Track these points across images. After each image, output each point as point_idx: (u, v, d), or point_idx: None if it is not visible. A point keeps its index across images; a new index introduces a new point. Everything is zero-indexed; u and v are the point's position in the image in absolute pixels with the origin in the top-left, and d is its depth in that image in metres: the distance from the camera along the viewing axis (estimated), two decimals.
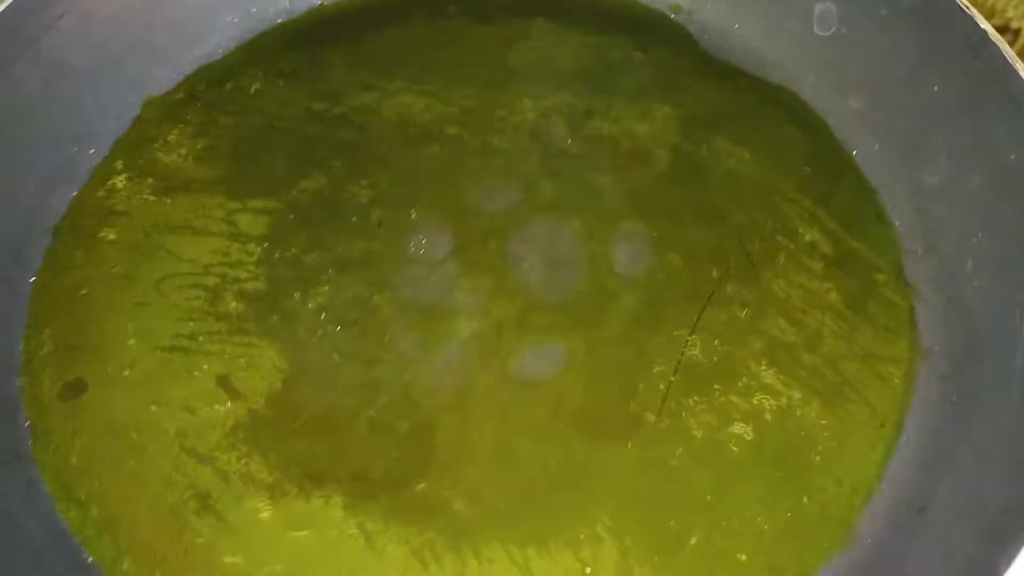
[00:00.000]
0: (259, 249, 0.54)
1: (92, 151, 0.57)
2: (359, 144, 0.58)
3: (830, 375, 0.51)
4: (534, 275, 0.54)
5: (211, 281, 0.53)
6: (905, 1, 0.54)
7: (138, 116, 0.59)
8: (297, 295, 0.53)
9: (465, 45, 0.62)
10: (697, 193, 0.56)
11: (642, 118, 0.59)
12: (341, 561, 0.46)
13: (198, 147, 0.58)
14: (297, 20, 0.63)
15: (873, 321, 0.52)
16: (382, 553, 0.46)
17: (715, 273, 0.54)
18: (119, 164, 0.58)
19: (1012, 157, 0.49)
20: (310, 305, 0.53)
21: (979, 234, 0.51)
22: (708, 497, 0.48)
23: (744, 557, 0.46)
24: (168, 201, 0.56)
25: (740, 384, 0.50)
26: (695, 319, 0.52)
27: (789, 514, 0.48)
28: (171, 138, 0.59)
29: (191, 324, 0.52)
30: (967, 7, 0.51)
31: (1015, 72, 0.49)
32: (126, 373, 0.51)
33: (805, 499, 0.48)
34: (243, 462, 0.48)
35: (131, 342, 0.51)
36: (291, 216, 0.56)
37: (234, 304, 0.53)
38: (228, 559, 0.46)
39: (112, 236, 0.55)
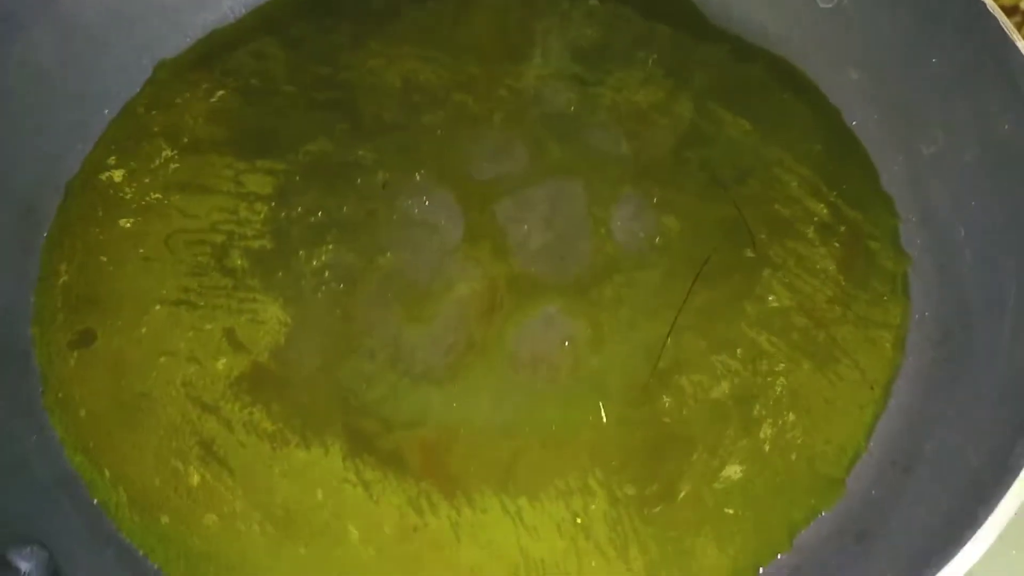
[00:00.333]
0: (266, 208, 0.56)
1: (105, 111, 0.59)
2: (365, 109, 0.59)
3: (822, 339, 0.52)
4: (534, 239, 0.55)
5: (218, 238, 0.55)
6: None
7: (150, 78, 0.60)
8: (302, 253, 0.54)
9: (471, 14, 0.63)
10: (697, 161, 0.57)
11: (644, 87, 0.60)
12: (340, 507, 0.47)
13: (208, 109, 0.59)
14: None
15: (867, 287, 0.53)
16: (379, 500, 0.47)
17: (712, 239, 0.55)
18: (131, 125, 0.59)
19: (1006, 128, 0.50)
20: (314, 263, 0.54)
21: (972, 203, 0.52)
22: (697, 453, 0.49)
23: (732, 511, 0.47)
24: (178, 160, 0.57)
25: (733, 346, 0.52)
26: (691, 283, 0.53)
27: (777, 470, 0.48)
28: (182, 100, 0.60)
29: (198, 279, 0.53)
30: None
31: (1012, 45, 0.50)
32: (134, 325, 0.52)
33: (794, 456, 0.49)
34: (246, 412, 0.50)
35: (140, 295, 0.52)
36: (297, 177, 0.57)
37: (240, 261, 0.54)
38: (230, 504, 0.47)
39: (122, 193, 0.56)
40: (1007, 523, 0.39)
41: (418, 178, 0.57)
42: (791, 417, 0.50)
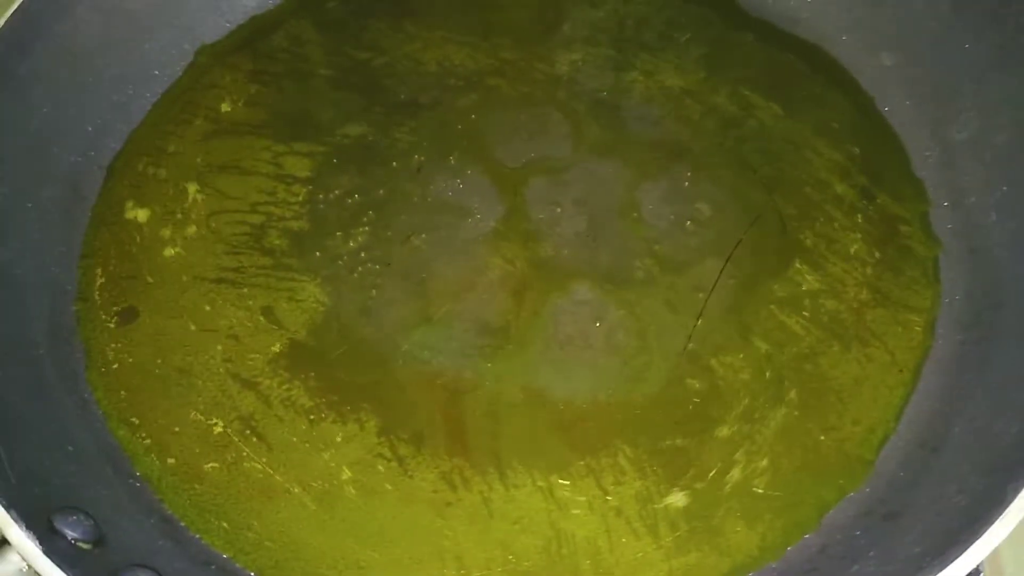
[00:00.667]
0: (304, 190, 0.57)
1: (147, 94, 0.60)
2: (401, 92, 0.60)
3: (852, 322, 0.52)
4: (566, 221, 0.56)
5: (257, 219, 0.56)
6: None
7: (191, 62, 0.62)
8: (339, 234, 0.55)
9: (506, 0, 0.64)
10: (728, 145, 0.57)
11: (677, 72, 0.61)
12: (375, 482, 0.48)
13: (247, 92, 0.61)
14: None
15: (897, 271, 0.53)
16: (413, 475, 0.48)
17: (743, 222, 0.55)
18: (172, 107, 0.60)
19: None
20: (351, 244, 0.55)
21: (1004, 188, 0.52)
22: (727, 433, 0.49)
23: (761, 490, 0.48)
24: (217, 142, 0.59)
25: (762, 328, 0.52)
26: (722, 266, 0.54)
27: (806, 451, 0.49)
28: (222, 84, 0.61)
29: (238, 258, 0.54)
30: None
31: None
32: (176, 302, 0.53)
33: (822, 437, 0.49)
34: (284, 387, 0.51)
35: (181, 273, 0.54)
36: (335, 160, 0.58)
37: (279, 241, 0.55)
38: (269, 478, 0.48)
39: (164, 174, 0.57)
40: None
41: (452, 161, 0.57)
42: (820, 398, 0.50)
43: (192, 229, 0.55)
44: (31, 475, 0.43)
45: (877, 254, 0.54)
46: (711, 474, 0.48)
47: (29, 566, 0.39)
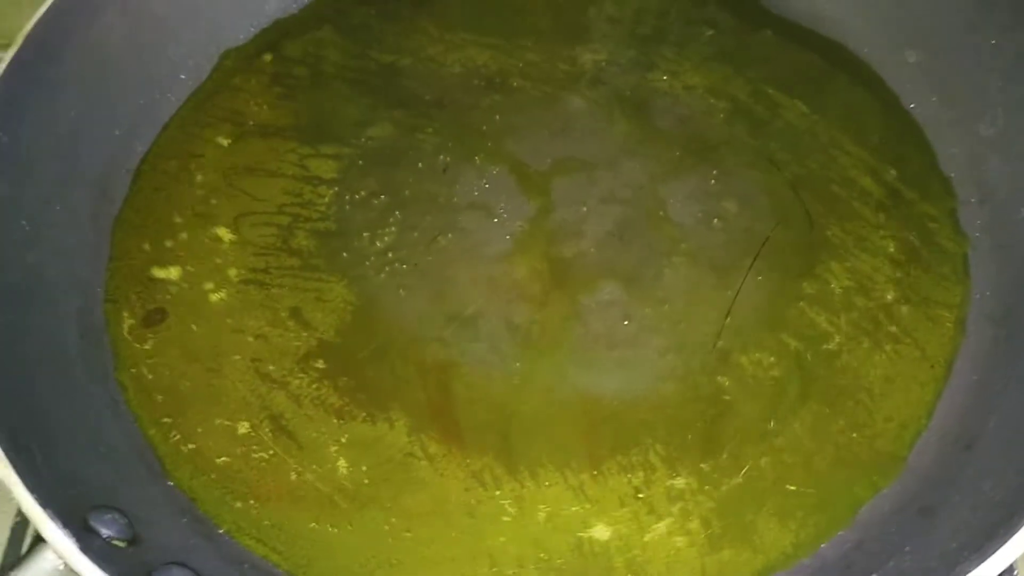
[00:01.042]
0: (330, 192, 0.57)
1: (173, 98, 0.60)
2: (425, 94, 0.61)
3: (882, 318, 0.52)
4: (593, 220, 0.56)
5: (284, 220, 0.56)
6: None
7: (217, 66, 0.62)
8: (366, 235, 0.56)
9: (531, 2, 0.64)
10: (753, 143, 0.58)
11: (700, 71, 0.61)
12: (406, 480, 0.48)
13: (272, 95, 0.61)
14: None
15: (926, 267, 0.53)
16: (444, 474, 0.48)
17: (770, 220, 0.55)
18: (198, 110, 0.60)
19: None
20: (378, 244, 0.55)
21: None
22: (758, 430, 0.49)
23: (793, 487, 0.48)
24: (243, 145, 0.59)
25: (792, 325, 0.52)
26: (749, 263, 0.54)
27: (838, 448, 0.49)
28: (247, 87, 0.61)
29: (265, 259, 0.55)
30: None
31: None
32: (204, 303, 0.53)
33: (854, 435, 0.49)
34: (314, 387, 0.51)
35: (210, 275, 0.54)
36: (360, 161, 0.58)
37: (306, 242, 0.55)
38: (300, 476, 0.48)
39: (191, 176, 0.58)
40: None
41: (478, 162, 0.58)
42: (851, 395, 0.50)
43: (220, 231, 0.55)
44: (65, 475, 0.43)
45: (906, 251, 0.54)
46: (743, 471, 0.48)
47: (65, 564, 0.39)
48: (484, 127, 0.59)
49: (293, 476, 0.48)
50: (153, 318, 0.53)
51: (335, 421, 0.50)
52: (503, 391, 0.51)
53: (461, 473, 0.48)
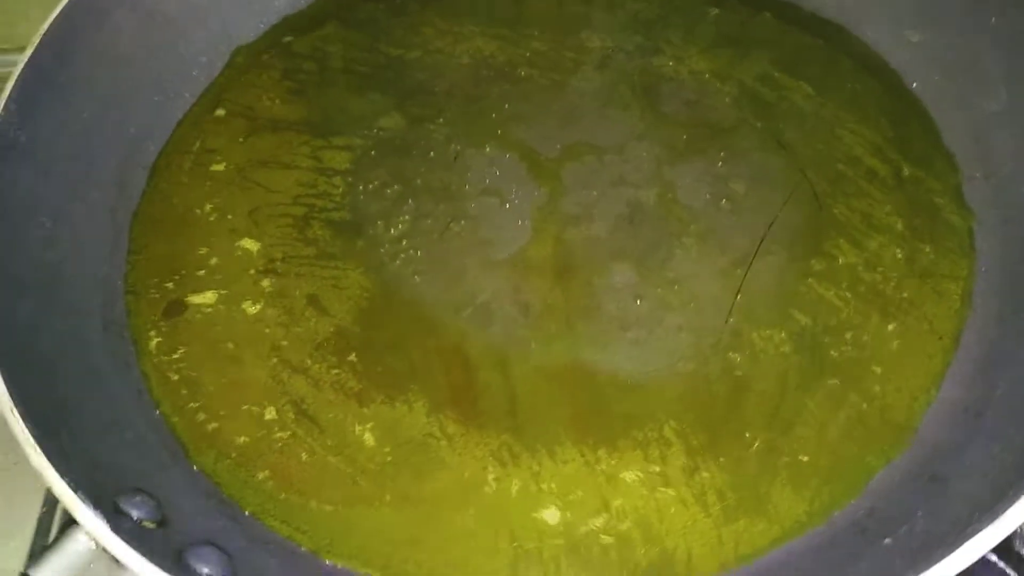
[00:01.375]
0: (344, 182, 0.58)
1: (187, 95, 0.61)
2: (434, 85, 0.62)
3: (890, 292, 0.53)
4: (603, 204, 0.57)
5: (299, 211, 0.57)
6: None
7: (228, 63, 0.63)
8: (380, 223, 0.57)
9: None
10: (760, 125, 0.58)
11: (705, 56, 0.62)
12: (426, 460, 0.49)
13: (284, 90, 0.62)
14: None
15: (933, 242, 0.54)
16: (463, 453, 0.49)
17: (778, 199, 0.56)
18: (211, 107, 0.61)
19: None
20: (392, 232, 0.56)
21: None
22: (770, 404, 0.50)
23: (806, 459, 0.49)
24: (256, 139, 0.60)
25: (802, 301, 0.53)
26: (758, 242, 0.54)
27: (850, 420, 0.49)
28: (259, 83, 0.63)
29: (283, 248, 0.56)
30: None
31: None
32: (223, 293, 0.54)
33: (865, 406, 0.50)
34: (333, 372, 0.52)
35: (227, 265, 0.55)
36: (373, 152, 0.59)
37: (321, 231, 0.56)
38: (321, 458, 0.49)
39: (207, 171, 0.59)
40: None
41: (488, 150, 0.59)
42: (862, 368, 0.51)
43: (237, 222, 0.56)
44: (94, 460, 0.44)
45: (912, 226, 0.55)
46: (756, 444, 0.49)
47: (98, 545, 0.40)
48: (493, 115, 0.60)
49: (315, 458, 0.49)
50: (173, 309, 0.54)
51: (355, 404, 0.51)
52: (518, 372, 0.51)
53: (479, 452, 0.49)
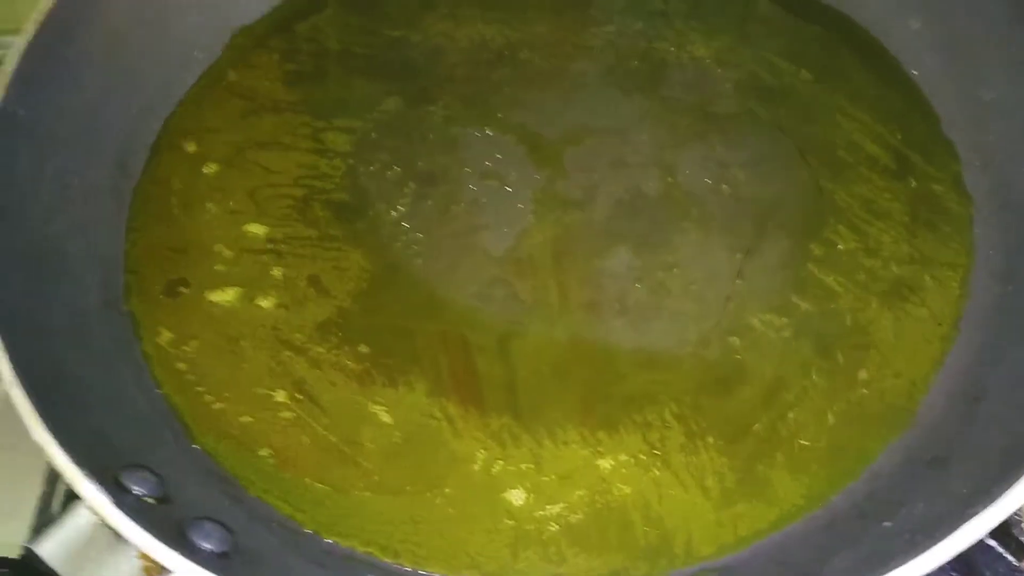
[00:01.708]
0: (344, 164, 0.58)
1: (188, 76, 0.61)
2: (435, 68, 0.62)
3: (889, 278, 0.53)
4: (603, 188, 0.57)
5: (300, 192, 0.57)
6: None
7: (229, 44, 0.63)
8: (381, 205, 0.57)
9: None
10: (760, 110, 0.59)
11: (707, 42, 0.62)
12: (426, 441, 0.49)
13: (284, 72, 0.62)
14: None
15: (932, 228, 0.54)
16: (463, 435, 0.49)
17: (778, 185, 0.56)
18: (212, 87, 0.61)
19: None
20: (393, 214, 0.56)
21: None
22: (770, 388, 0.50)
23: (806, 442, 0.49)
24: (257, 120, 0.60)
25: (801, 286, 0.53)
26: (758, 227, 0.55)
27: (849, 404, 0.50)
28: (260, 64, 0.62)
29: (283, 230, 0.56)
30: None
31: None
32: (224, 273, 0.54)
33: (864, 391, 0.50)
34: (334, 353, 0.52)
35: (228, 246, 0.55)
36: (374, 134, 0.59)
37: (322, 213, 0.56)
38: (324, 439, 0.49)
39: (207, 151, 0.59)
40: None
41: (489, 132, 0.59)
42: (860, 353, 0.51)
43: (237, 203, 0.56)
44: (96, 436, 0.44)
45: (911, 213, 0.55)
46: (755, 427, 0.49)
47: (100, 519, 0.40)
48: (494, 99, 0.60)
49: (316, 438, 0.49)
50: (173, 288, 0.54)
51: (356, 385, 0.51)
52: (519, 354, 0.52)
53: (480, 434, 0.49)
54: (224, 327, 0.52)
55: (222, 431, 0.50)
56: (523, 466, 0.49)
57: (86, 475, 0.40)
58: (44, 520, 0.52)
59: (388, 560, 0.47)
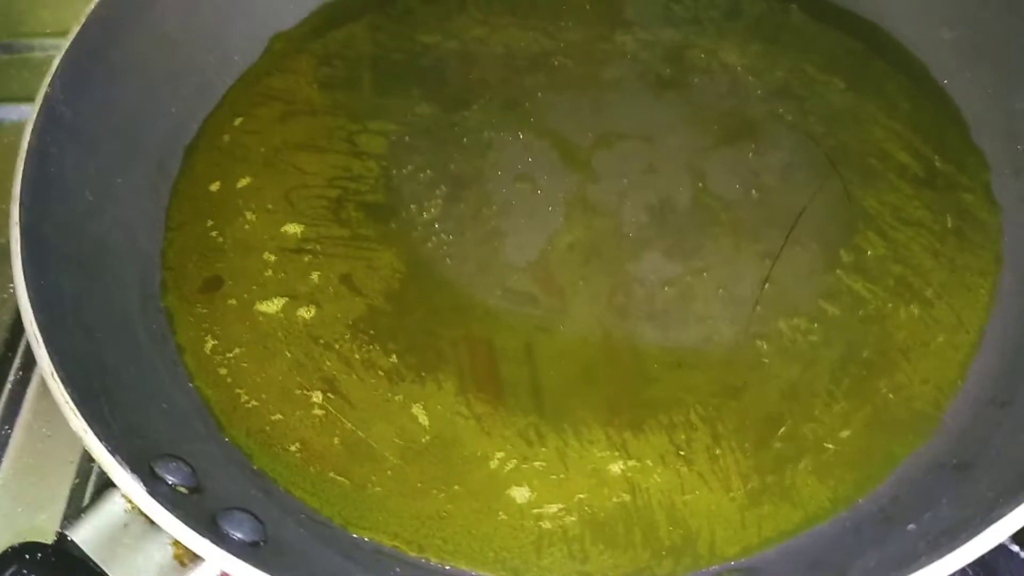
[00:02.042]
0: (378, 166, 0.59)
1: (227, 78, 0.63)
2: (469, 73, 0.63)
3: (918, 284, 0.53)
4: (633, 192, 0.58)
5: (334, 193, 0.58)
6: None
7: (267, 48, 0.64)
8: (413, 207, 0.57)
9: None
10: (790, 117, 0.59)
11: (737, 50, 0.62)
12: (454, 438, 0.50)
13: (322, 75, 0.63)
14: None
15: (961, 236, 0.54)
16: (490, 432, 0.50)
17: (807, 191, 0.56)
18: (250, 90, 0.63)
19: None
20: (425, 216, 0.57)
21: None
22: (797, 392, 0.50)
23: (831, 446, 0.49)
24: (293, 123, 0.61)
25: (830, 291, 0.53)
26: (787, 233, 0.55)
27: (876, 409, 0.50)
28: (297, 68, 0.64)
29: (317, 229, 0.57)
30: None
31: None
32: (259, 272, 0.55)
33: (891, 396, 0.50)
34: (365, 350, 0.53)
35: (263, 244, 0.56)
36: (407, 137, 0.60)
37: (355, 213, 0.57)
38: (352, 435, 0.50)
39: (244, 152, 0.60)
40: None
41: (521, 137, 0.59)
42: (888, 358, 0.51)
43: (272, 203, 0.57)
44: (131, 426, 0.45)
45: (941, 220, 0.55)
46: (781, 430, 0.49)
47: (133, 507, 0.41)
48: (527, 104, 0.61)
49: (345, 435, 0.50)
50: (209, 285, 0.55)
51: (386, 382, 0.52)
52: (546, 354, 0.52)
53: (507, 431, 0.50)
54: (256, 324, 0.54)
55: (252, 424, 0.51)
56: (549, 464, 0.49)
57: (121, 464, 0.40)
58: (75, 511, 0.53)
59: (414, 555, 0.47)
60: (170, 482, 0.43)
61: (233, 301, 0.55)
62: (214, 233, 0.57)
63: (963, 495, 0.44)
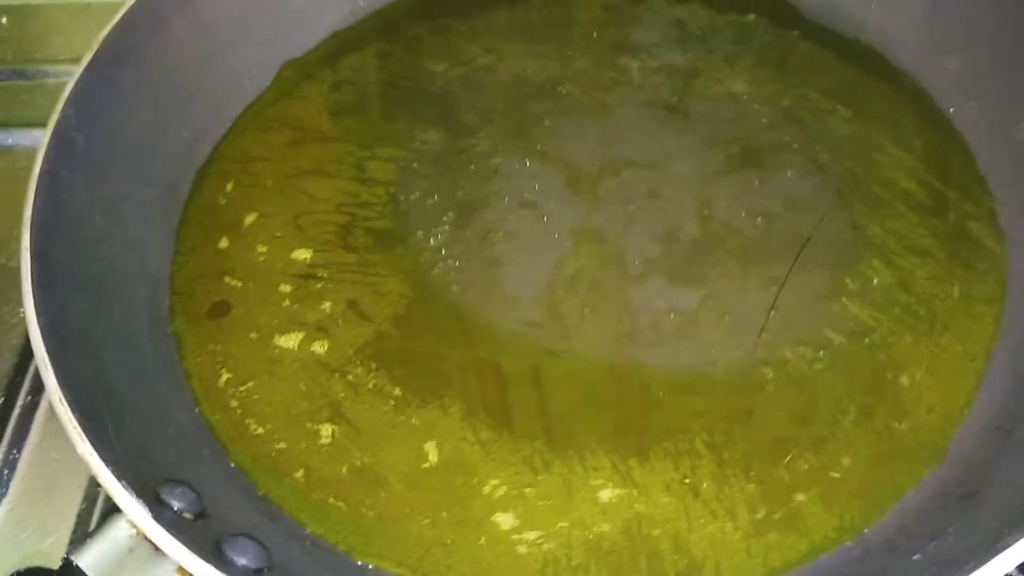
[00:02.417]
0: (386, 192, 0.59)
1: (237, 104, 0.63)
2: (477, 100, 0.63)
3: (923, 312, 0.53)
4: (639, 219, 0.58)
5: (342, 219, 0.58)
6: None
7: (277, 75, 0.65)
8: (420, 233, 0.58)
9: (576, 11, 0.66)
10: (796, 145, 0.59)
11: (743, 78, 0.63)
12: (459, 464, 0.50)
13: (331, 102, 0.64)
14: None
15: (966, 264, 0.55)
16: (495, 459, 0.50)
17: (813, 219, 0.57)
18: (260, 116, 0.63)
19: None
20: (432, 242, 0.57)
21: None
22: (802, 420, 0.50)
23: (837, 475, 0.49)
24: (302, 149, 0.62)
25: (835, 319, 0.53)
26: (793, 260, 0.55)
27: (881, 438, 0.50)
28: (306, 95, 0.64)
29: (324, 255, 0.57)
30: None
31: None
32: (265, 296, 0.56)
33: (897, 424, 0.50)
34: (371, 376, 0.53)
35: (271, 269, 0.56)
36: (415, 164, 0.61)
37: (363, 239, 0.58)
38: (359, 460, 0.50)
39: (253, 178, 0.60)
40: None
41: (528, 164, 0.60)
42: (893, 387, 0.51)
43: (281, 229, 0.58)
44: (137, 451, 0.45)
45: (946, 249, 0.55)
46: (787, 458, 0.49)
47: (138, 532, 0.41)
48: (534, 131, 0.61)
49: (351, 461, 0.50)
50: (217, 310, 0.55)
51: (392, 408, 0.52)
52: (552, 381, 0.52)
53: (512, 458, 0.50)
54: (264, 348, 0.54)
55: (258, 450, 0.51)
56: (552, 492, 0.49)
57: (127, 489, 0.41)
58: (81, 536, 0.53)
59: None
60: (175, 507, 0.44)
61: (240, 326, 0.55)
62: (222, 258, 0.57)
63: (968, 524, 0.44)
